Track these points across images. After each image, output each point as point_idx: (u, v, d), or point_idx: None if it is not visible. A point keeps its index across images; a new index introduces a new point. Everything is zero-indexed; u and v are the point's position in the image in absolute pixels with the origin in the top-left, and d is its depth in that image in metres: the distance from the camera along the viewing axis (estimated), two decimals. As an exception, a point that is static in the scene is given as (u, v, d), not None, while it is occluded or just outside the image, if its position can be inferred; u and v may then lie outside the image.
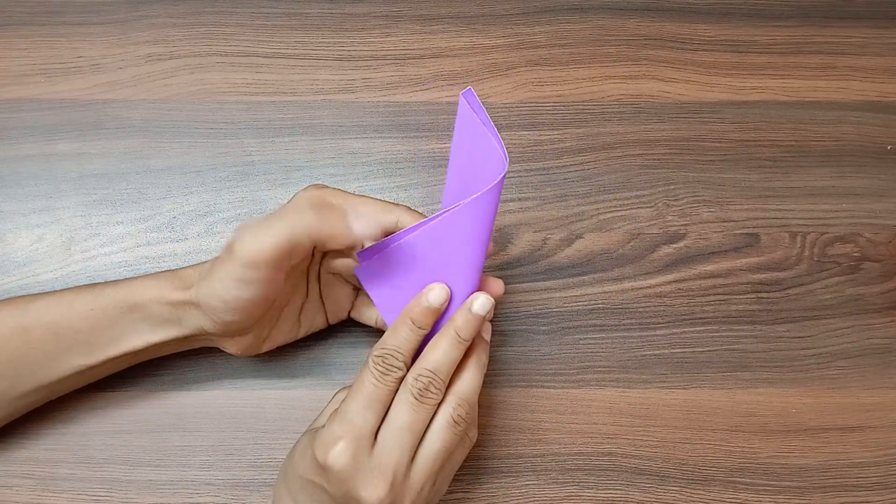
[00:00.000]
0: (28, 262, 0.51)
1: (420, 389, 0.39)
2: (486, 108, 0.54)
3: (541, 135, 0.54)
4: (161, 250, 0.51)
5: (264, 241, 0.39)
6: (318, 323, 0.48)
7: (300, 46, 0.55)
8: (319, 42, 0.55)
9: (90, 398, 0.48)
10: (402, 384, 0.39)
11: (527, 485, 0.48)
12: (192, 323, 0.42)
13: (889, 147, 0.55)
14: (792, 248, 0.53)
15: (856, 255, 0.53)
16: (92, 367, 0.43)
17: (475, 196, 0.38)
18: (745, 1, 0.57)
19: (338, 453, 0.38)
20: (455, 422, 0.39)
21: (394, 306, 0.43)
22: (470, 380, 0.41)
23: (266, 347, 0.46)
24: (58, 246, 0.51)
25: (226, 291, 0.40)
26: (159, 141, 0.53)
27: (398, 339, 0.40)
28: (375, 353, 0.40)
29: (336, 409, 0.40)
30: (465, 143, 0.40)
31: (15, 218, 0.52)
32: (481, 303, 0.40)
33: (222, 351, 0.46)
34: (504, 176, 0.37)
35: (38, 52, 0.54)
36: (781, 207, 0.53)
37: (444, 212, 0.39)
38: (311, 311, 0.47)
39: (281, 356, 0.50)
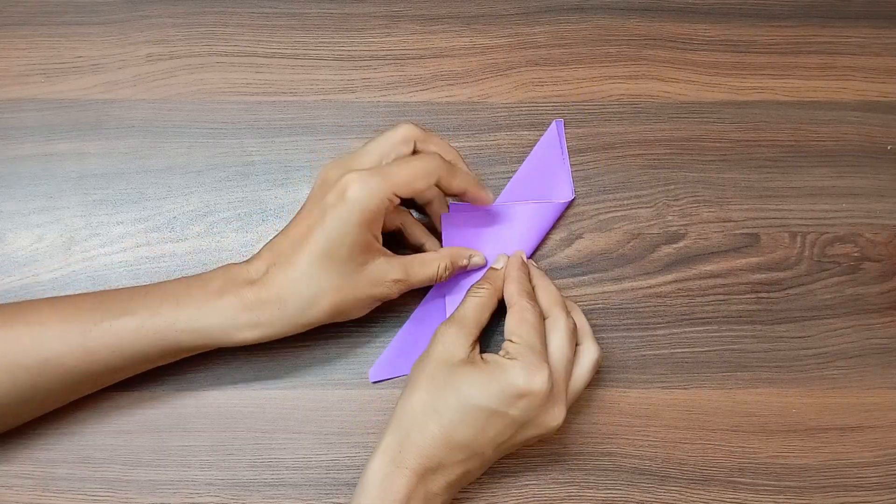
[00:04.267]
0: (28, 262, 0.51)
1: (571, 329, 0.46)
2: (486, 108, 0.54)
3: (541, 135, 0.54)
4: (161, 250, 0.51)
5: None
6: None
7: (300, 46, 0.55)
8: (319, 42, 0.55)
9: (90, 398, 0.48)
10: (554, 322, 0.46)
11: (527, 485, 0.48)
12: (276, 332, 0.44)
13: (889, 147, 0.55)
14: (792, 248, 0.53)
15: (856, 255, 0.53)
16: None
17: (556, 202, 0.52)
18: (745, 1, 0.57)
19: (544, 380, 0.42)
20: (598, 362, 0.47)
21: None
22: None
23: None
24: (58, 246, 0.51)
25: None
26: (159, 141, 0.53)
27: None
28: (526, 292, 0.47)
29: (513, 340, 0.44)
30: (541, 158, 0.53)
31: (15, 218, 0.52)
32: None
33: (221, 349, 0.45)
34: (570, 202, 0.53)
35: (38, 52, 0.54)
36: (781, 207, 0.53)
37: (530, 202, 0.51)
38: None
39: (281, 356, 0.50)
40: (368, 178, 0.43)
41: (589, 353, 0.46)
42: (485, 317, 0.46)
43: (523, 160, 0.53)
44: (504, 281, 0.48)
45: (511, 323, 0.45)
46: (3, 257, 0.51)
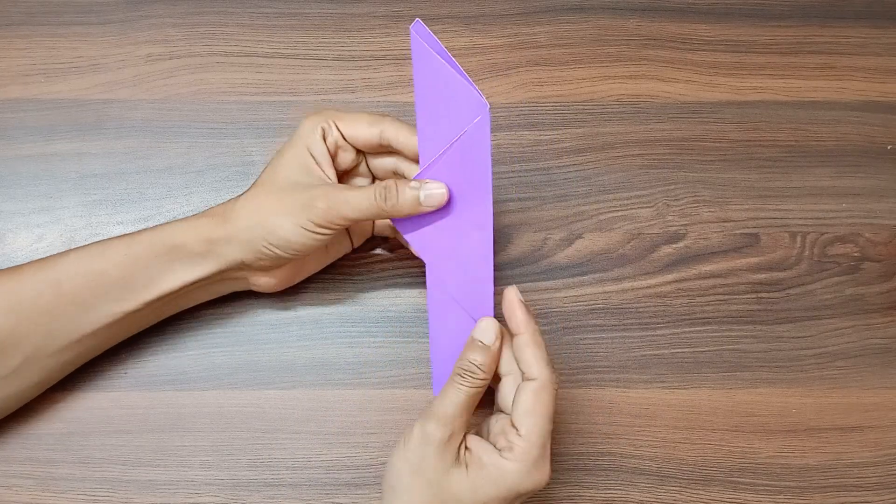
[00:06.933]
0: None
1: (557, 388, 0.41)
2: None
3: (541, 135, 0.54)
4: (161, 250, 0.51)
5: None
6: (345, 247, 0.50)
7: (300, 46, 0.55)
8: (319, 42, 0.55)
9: (90, 398, 0.48)
10: (545, 386, 0.40)
11: (527, 485, 0.48)
12: (231, 257, 0.44)
13: (889, 147, 0.55)
14: (792, 248, 0.53)
15: (856, 255, 0.53)
16: (128, 315, 0.44)
17: (473, 125, 0.38)
18: (745, 1, 0.57)
19: (545, 478, 0.40)
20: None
21: (426, 244, 0.44)
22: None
23: (298, 279, 0.48)
24: (58, 246, 0.51)
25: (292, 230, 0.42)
26: (159, 141, 0.53)
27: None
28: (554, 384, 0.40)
29: (519, 432, 0.39)
30: (430, 85, 0.40)
31: (15, 218, 0.52)
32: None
33: (221, 349, 0.46)
34: (488, 114, 0.38)
35: (38, 52, 0.54)
36: (781, 207, 0.53)
37: (443, 152, 0.40)
38: (338, 236, 0.46)
39: (280, 356, 0.50)
40: (313, 112, 0.45)
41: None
42: (469, 414, 0.40)
43: (523, 160, 0.53)
44: (515, 341, 0.41)
45: (523, 404, 0.39)
46: (3, 257, 0.51)
